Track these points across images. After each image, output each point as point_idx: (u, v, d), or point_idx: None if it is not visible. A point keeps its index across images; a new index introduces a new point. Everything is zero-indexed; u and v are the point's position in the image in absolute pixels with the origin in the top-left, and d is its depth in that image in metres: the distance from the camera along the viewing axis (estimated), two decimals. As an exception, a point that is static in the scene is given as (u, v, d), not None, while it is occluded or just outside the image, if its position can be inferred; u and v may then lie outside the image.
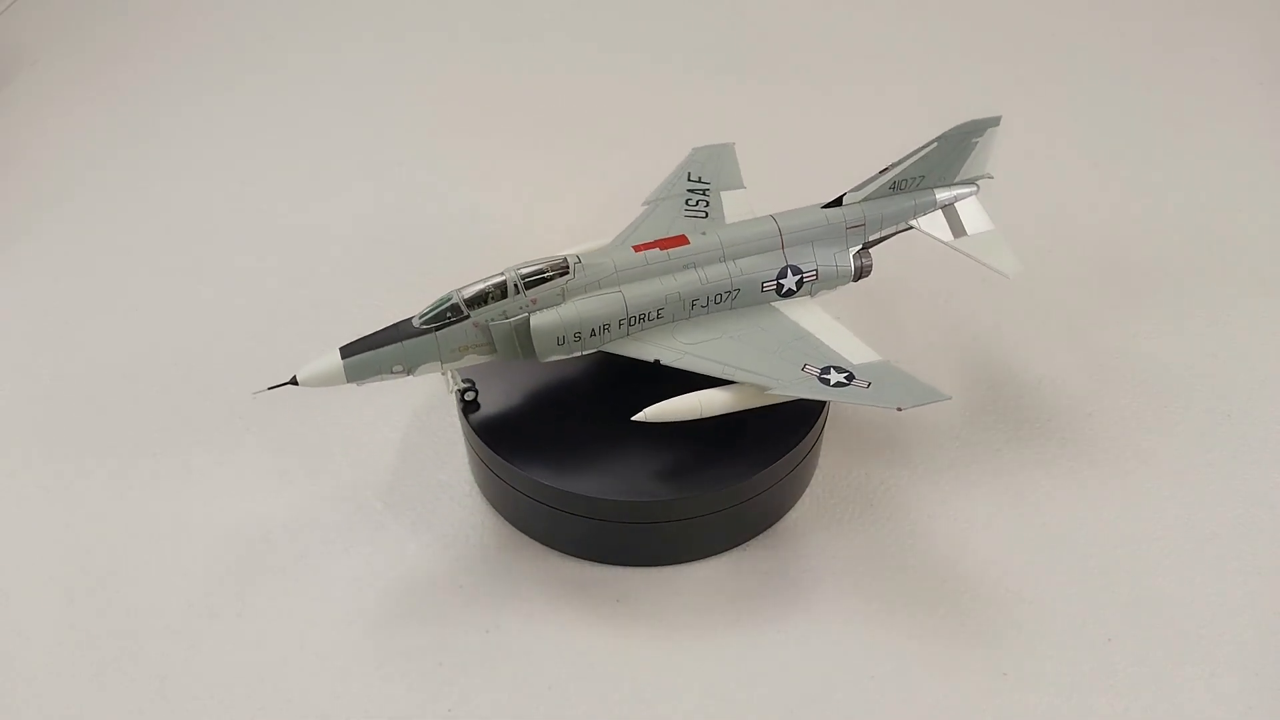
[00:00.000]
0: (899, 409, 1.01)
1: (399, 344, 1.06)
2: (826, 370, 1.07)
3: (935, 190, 1.24)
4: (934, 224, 1.24)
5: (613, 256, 1.11)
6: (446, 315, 1.07)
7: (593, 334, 1.08)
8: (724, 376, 1.06)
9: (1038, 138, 1.80)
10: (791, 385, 1.05)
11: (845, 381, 1.05)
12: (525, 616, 1.12)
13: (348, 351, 1.06)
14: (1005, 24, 2.10)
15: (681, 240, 1.13)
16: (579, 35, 2.11)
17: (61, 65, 2.06)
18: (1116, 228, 1.61)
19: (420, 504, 1.23)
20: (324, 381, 1.06)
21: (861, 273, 1.21)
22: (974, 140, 1.21)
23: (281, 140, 1.85)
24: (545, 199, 1.70)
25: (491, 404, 1.16)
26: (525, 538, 1.19)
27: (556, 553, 1.18)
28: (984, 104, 1.88)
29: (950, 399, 1.06)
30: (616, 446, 1.11)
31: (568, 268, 1.09)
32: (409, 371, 1.07)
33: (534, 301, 1.07)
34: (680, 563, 1.17)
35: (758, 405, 1.07)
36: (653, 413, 1.04)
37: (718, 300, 1.13)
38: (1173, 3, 2.13)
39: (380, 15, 2.18)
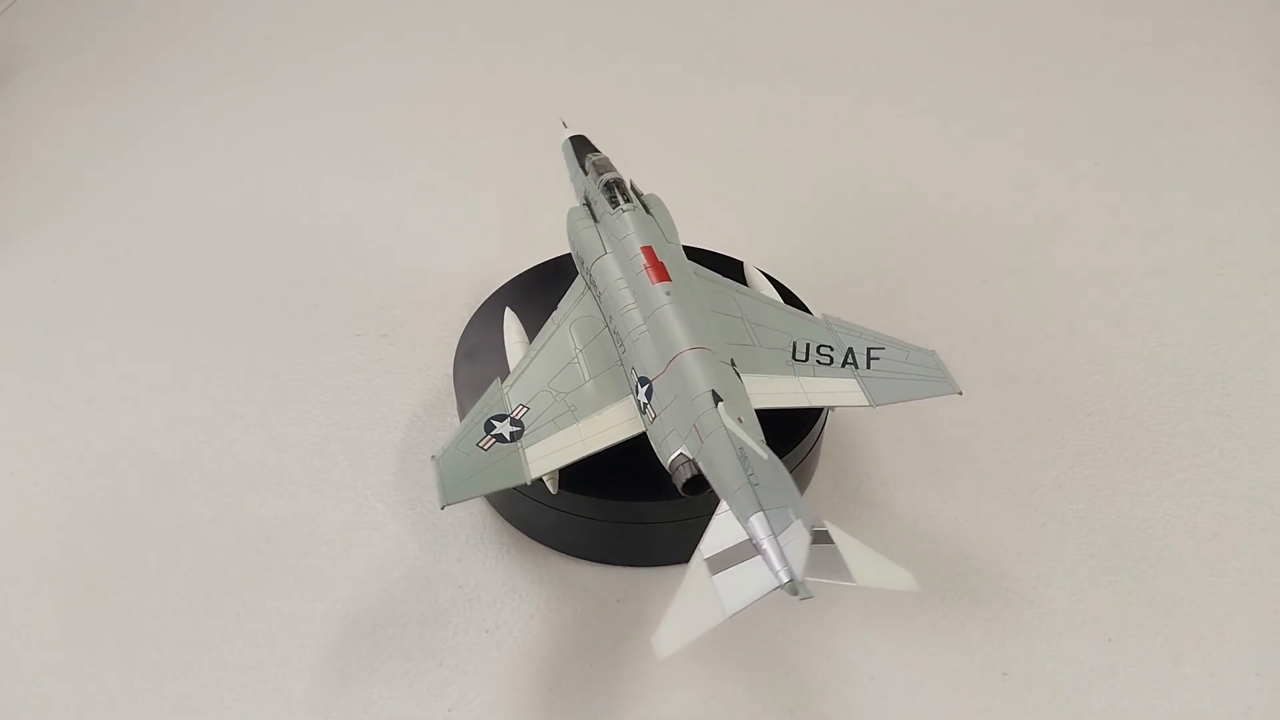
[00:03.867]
0: (440, 509, 0.97)
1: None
2: (490, 423, 1.03)
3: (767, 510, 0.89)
4: (721, 531, 0.90)
5: (635, 230, 1.13)
6: (585, 151, 1.24)
7: (578, 259, 1.18)
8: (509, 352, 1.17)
9: (1037, 138, 1.81)
10: (468, 414, 1.05)
11: (454, 443, 1.02)
12: (525, 616, 1.12)
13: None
14: (1005, 25, 2.10)
15: (661, 275, 1.09)
16: (580, 36, 2.11)
17: (61, 65, 2.06)
18: (1117, 227, 1.62)
19: (420, 504, 1.23)
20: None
21: (672, 472, 0.99)
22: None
23: (281, 140, 1.85)
24: (545, 199, 1.70)
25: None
26: (525, 538, 1.19)
27: (556, 553, 1.18)
28: (982, 104, 1.89)
29: None
30: (616, 447, 1.10)
31: (628, 203, 1.15)
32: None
33: (594, 203, 1.18)
34: (680, 563, 1.16)
35: None
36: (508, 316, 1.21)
37: (615, 339, 1.09)
38: (1172, 3, 2.13)
39: (380, 16, 2.18)
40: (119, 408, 1.37)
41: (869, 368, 1.07)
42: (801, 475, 1.19)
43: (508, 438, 1.02)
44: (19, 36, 2.14)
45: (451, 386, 1.22)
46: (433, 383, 1.37)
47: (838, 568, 0.85)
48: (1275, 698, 1.04)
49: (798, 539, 0.85)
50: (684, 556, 1.15)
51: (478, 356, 1.22)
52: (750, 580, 0.86)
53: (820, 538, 0.86)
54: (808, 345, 1.09)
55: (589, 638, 1.10)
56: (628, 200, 1.16)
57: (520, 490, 1.12)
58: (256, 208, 1.71)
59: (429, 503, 1.23)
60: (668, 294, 1.07)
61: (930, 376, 1.08)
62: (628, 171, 1.21)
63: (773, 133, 1.84)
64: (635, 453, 1.09)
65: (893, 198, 1.68)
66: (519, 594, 1.14)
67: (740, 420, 0.96)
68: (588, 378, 1.08)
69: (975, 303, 1.48)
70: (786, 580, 0.84)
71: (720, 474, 0.93)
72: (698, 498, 0.99)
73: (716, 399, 0.97)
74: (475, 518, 1.22)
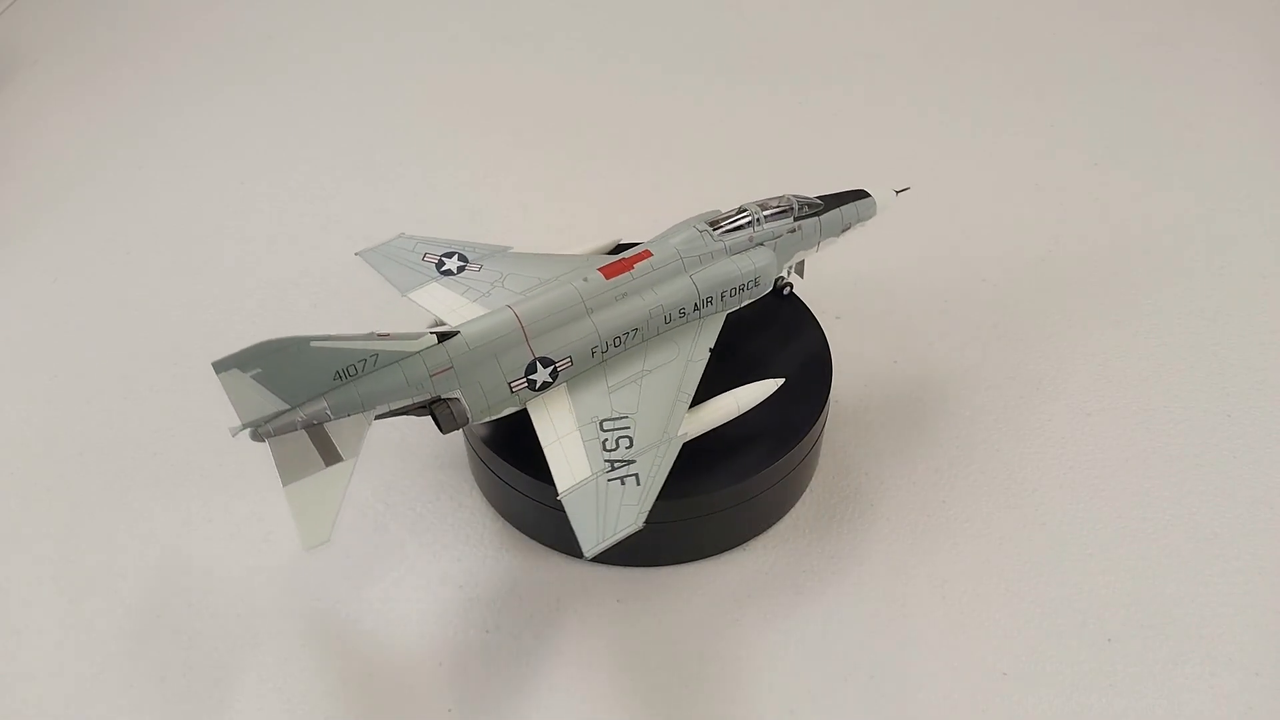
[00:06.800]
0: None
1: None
2: (450, 254, 1.20)
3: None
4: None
5: (671, 239, 1.14)
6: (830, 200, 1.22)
7: None
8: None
9: (1038, 138, 1.81)
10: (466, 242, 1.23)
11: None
12: (525, 616, 1.12)
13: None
14: (1005, 25, 2.10)
15: (609, 270, 1.10)
16: (579, 36, 2.11)
17: (61, 65, 2.06)
18: (1117, 227, 1.61)
19: (420, 504, 1.23)
20: None
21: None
22: None
23: (281, 140, 1.85)
24: (545, 199, 1.70)
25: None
26: (525, 538, 1.19)
27: (557, 553, 1.18)
28: (982, 104, 1.89)
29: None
30: None
31: (714, 227, 1.14)
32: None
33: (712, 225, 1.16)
34: (680, 563, 1.17)
35: None
36: None
37: None
38: (1173, 3, 2.13)
39: (380, 16, 2.18)
40: (118, 407, 1.37)
41: (607, 482, 1.01)
42: (801, 475, 1.19)
43: (438, 270, 1.18)
44: (19, 36, 2.14)
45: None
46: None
47: (296, 472, 0.99)
48: (1275, 697, 1.04)
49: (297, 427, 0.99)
50: (684, 556, 1.16)
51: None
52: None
53: (329, 455, 1.00)
54: (623, 431, 1.04)
55: (589, 638, 1.10)
56: (717, 228, 1.13)
57: (520, 490, 1.13)
58: (256, 207, 1.71)
59: (429, 502, 1.24)
60: (584, 280, 1.09)
61: (597, 529, 0.98)
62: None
63: (772, 132, 1.84)
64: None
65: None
66: (519, 594, 1.14)
67: (450, 366, 1.03)
68: (519, 290, 1.12)
69: (975, 301, 1.48)
70: (242, 426, 0.99)
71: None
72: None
73: (441, 337, 1.03)
74: (475, 518, 1.22)
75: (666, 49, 2.06)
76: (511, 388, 1.05)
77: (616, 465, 1.01)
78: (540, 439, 1.04)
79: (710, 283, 1.12)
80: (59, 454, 1.32)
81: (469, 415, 1.04)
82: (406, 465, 1.28)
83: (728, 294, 1.13)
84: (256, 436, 0.99)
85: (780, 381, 1.11)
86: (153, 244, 1.64)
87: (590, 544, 0.96)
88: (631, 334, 1.09)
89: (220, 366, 0.95)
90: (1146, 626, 1.10)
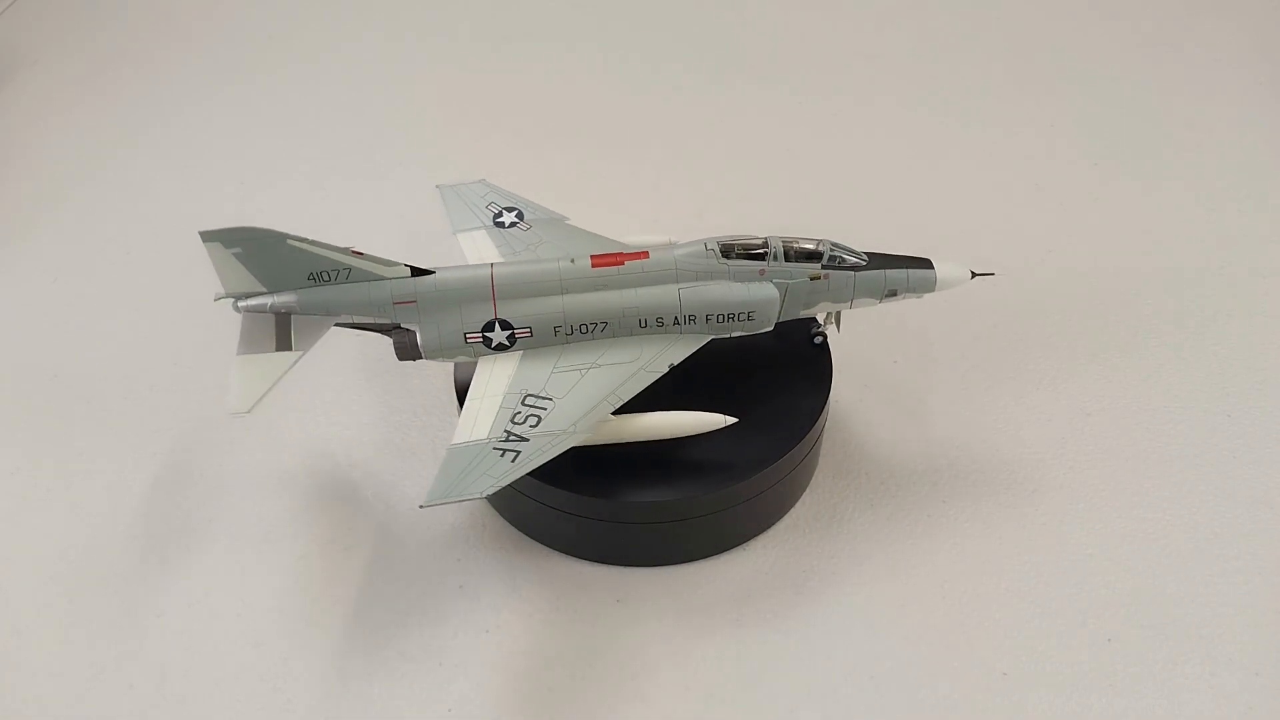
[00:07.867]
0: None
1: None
2: (506, 212, 1.27)
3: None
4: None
5: (680, 247, 1.13)
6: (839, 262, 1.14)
7: None
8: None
9: (1038, 138, 1.81)
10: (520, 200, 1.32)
11: None
12: (525, 616, 1.12)
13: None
14: (1005, 25, 2.10)
15: (597, 259, 1.11)
16: (580, 37, 2.11)
17: (61, 65, 2.06)
18: (1117, 228, 1.61)
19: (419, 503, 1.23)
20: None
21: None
22: None
23: (281, 140, 1.85)
24: (545, 199, 1.69)
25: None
26: (525, 538, 1.19)
27: (557, 553, 1.18)
28: (982, 105, 1.89)
29: None
30: (616, 447, 1.10)
31: (720, 247, 1.12)
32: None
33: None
34: (680, 563, 1.17)
35: None
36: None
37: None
38: (1173, 3, 2.13)
39: (381, 16, 2.18)
40: (118, 407, 1.37)
41: (490, 450, 1.01)
42: (801, 475, 1.19)
43: (493, 220, 1.26)
44: (19, 36, 2.14)
45: (452, 386, 1.22)
46: (433, 382, 1.37)
47: (250, 346, 1.12)
48: (1275, 697, 1.04)
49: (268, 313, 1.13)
50: (683, 556, 1.16)
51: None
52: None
53: (283, 342, 1.12)
54: (538, 410, 1.05)
55: (589, 638, 1.10)
56: (729, 252, 1.11)
57: (520, 490, 1.13)
58: (256, 207, 1.71)
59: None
60: (571, 261, 1.11)
61: (448, 485, 0.99)
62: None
63: (771, 132, 1.84)
64: (636, 453, 1.10)
65: (892, 197, 1.68)
66: (519, 594, 1.14)
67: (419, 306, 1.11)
68: (536, 259, 1.16)
69: (975, 302, 1.48)
70: (224, 293, 1.14)
71: None
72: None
73: (415, 272, 1.12)
74: (475, 518, 1.22)
75: (667, 49, 2.05)
76: (466, 338, 1.10)
77: (510, 438, 1.02)
78: (469, 391, 1.08)
79: (697, 301, 1.10)
80: (59, 454, 1.32)
81: (422, 351, 1.11)
82: (407, 465, 1.28)
83: (715, 318, 1.11)
84: (236, 307, 1.13)
85: (730, 420, 1.08)
86: (153, 244, 1.64)
87: (435, 496, 0.98)
88: (600, 325, 1.10)
89: (206, 237, 1.09)
90: (1146, 626, 1.10)
